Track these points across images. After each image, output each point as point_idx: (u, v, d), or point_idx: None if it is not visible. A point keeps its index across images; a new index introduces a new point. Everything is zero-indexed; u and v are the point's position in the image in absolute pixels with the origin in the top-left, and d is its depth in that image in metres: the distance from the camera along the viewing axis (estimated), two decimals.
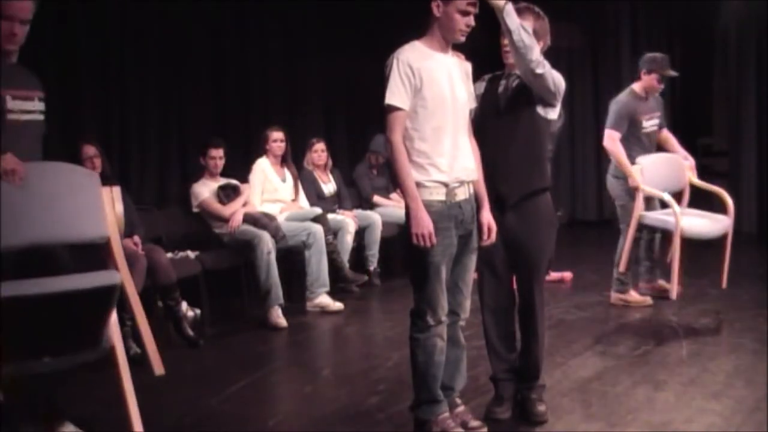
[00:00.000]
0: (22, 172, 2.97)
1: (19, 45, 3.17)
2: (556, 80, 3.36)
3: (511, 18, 3.18)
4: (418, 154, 3.15)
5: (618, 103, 5.66)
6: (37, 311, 2.84)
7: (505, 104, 3.45)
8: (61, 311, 2.89)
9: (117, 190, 3.26)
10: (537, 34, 3.35)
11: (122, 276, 3.10)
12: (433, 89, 3.13)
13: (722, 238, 5.42)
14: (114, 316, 3.10)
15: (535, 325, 3.54)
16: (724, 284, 5.43)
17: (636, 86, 5.69)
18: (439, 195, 3.17)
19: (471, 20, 3.15)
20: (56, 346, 2.99)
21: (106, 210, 3.18)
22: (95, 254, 3.25)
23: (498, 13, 3.19)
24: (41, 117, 3.28)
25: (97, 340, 3.08)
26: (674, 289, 5.25)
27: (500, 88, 3.48)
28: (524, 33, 3.20)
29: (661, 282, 5.78)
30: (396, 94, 3.11)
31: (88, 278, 3.00)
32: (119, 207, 3.24)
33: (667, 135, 5.88)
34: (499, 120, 3.45)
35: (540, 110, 3.43)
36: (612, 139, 5.56)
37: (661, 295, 5.66)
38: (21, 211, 2.98)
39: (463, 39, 3.19)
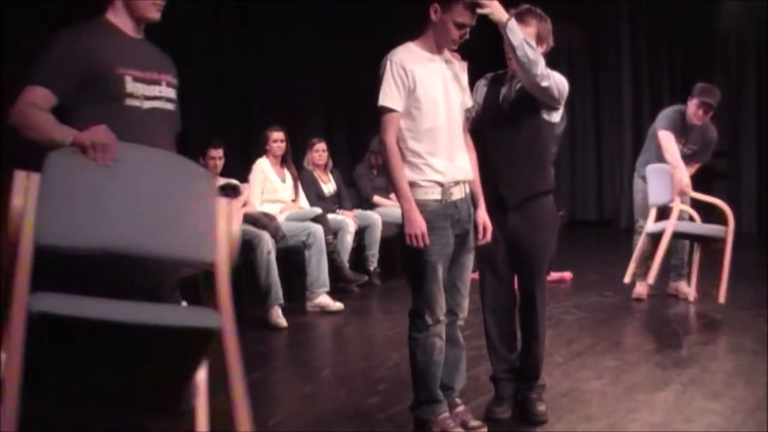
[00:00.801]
0: (114, 151, 2.30)
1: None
2: (560, 87, 3.35)
3: (515, 34, 3.17)
4: (413, 154, 3.15)
5: (666, 112, 5.82)
6: (85, 342, 2.08)
7: (509, 108, 3.44)
8: (123, 350, 2.13)
9: (238, 204, 2.58)
10: (540, 37, 3.34)
11: (224, 323, 2.31)
12: (426, 91, 3.13)
13: (720, 251, 5.45)
14: (202, 374, 2.40)
15: (536, 324, 3.54)
16: (722, 299, 5.41)
17: (687, 109, 5.77)
18: (434, 194, 3.17)
19: (466, 34, 3.14)
20: (108, 397, 2.27)
21: (220, 227, 2.36)
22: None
23: (501, 29, 3.18)
24: (170, 106, 2.72)
25: (172, 403, 2.40)
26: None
27: (503, 91, 3.46)
28: (528, 48, 3.18)
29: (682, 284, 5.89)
30: (389, 96, 3.11)
31: (170, 313, 2.28)
32: (237, 227, 2.41)
33: (691, 169, 5.89)
34: (502, 123, 3.44)
35: (544, 114, 3.42)
36: (666, 138, 5.64)
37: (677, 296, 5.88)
38: (100, 202, 2.22)
39: (455, 48, 3.20)
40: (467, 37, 3.16)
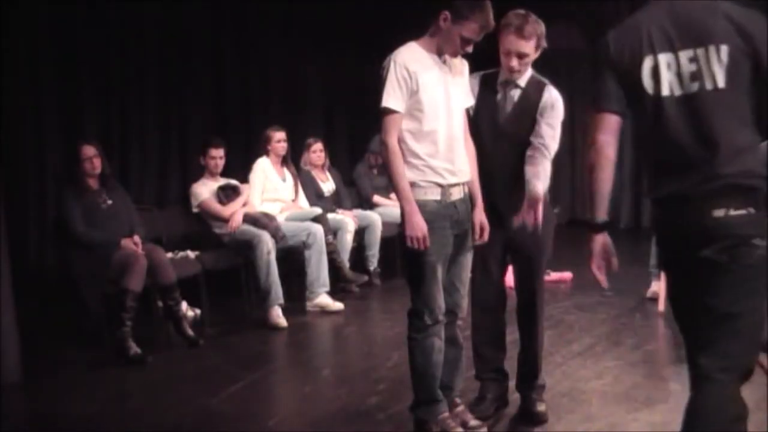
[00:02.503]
0: None
1: None
2: (558, 132, 3.40)
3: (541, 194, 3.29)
4: (413, 155, 3.16)
5: None
6: None
7: (505, 122, 3.43)
8: None
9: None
10: (538, 42, 3.33)
11: None
12: (428, 93, 3.13)
13: None
14: None
15: (535, 324, 3.55)
16: None
17: None
18: (434, 195, 3.17)
19: (470, 48, 3.15)
20: None
21: None
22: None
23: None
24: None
25: None
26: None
27: (498, 98, 3.44)
28: (542, 187, 3.28)
29: None
30: (392, 97, 3.11)
31: None
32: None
33: None
34: (498, 133, 3.42)
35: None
36: None
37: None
38: None
39: (455, 57, 3.20)
40: (470, 51, 3.17)
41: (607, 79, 2.36)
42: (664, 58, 2.28)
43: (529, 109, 3.39)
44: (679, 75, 2.28)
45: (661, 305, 5.36)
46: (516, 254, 3.50)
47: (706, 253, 2.26)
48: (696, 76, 2.26)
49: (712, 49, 2.24)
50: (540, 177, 3.30)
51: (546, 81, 3.43)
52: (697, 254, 2.27)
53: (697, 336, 2.34)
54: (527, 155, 3.37)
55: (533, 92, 3.40)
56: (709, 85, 2.25)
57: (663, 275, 5.35)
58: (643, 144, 2.45)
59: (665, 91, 2.29)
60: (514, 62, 3.30)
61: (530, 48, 3.29)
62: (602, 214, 2.39)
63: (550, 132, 3.38)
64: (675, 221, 2.34)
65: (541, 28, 3.34)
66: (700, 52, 2.25)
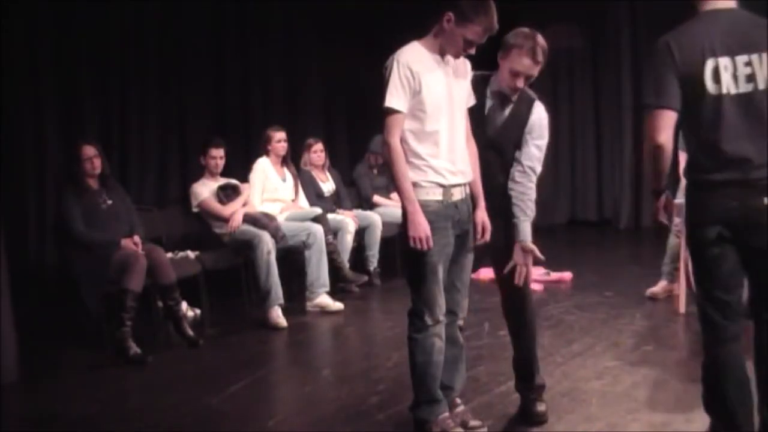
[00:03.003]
0: None
1: None
2: (543, 147, 3.42)
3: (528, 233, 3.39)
4: (415, 155, 3.15)
5: None
6: None
7: (495, 133, 3.43)
8: None
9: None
10: (544, 63, 3.33)
11: None
12: (431, 93, 3.12)
13: None
14: None
15: (523, 325, 3.54)
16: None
17: None
18: (435, 195, 3.17)
19: (472, 50, 3.15)
20: None
21: None
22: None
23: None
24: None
25: None
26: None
27: (488, 105, 3.43)
28: (528, 221, 3.37)
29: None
30: (395, 97, 3.11)
31: None
32: None
33: None
34: (486, 143, 3.41)
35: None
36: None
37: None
38: None
39: (458, 58, 3.20)
40: (472, 53, 3.17)
41: (670, 79, 2.68)
42: (723, 62, 2.66)
43: (519, 125, 3.40)
44: (735, 76, 2.66)
45: (682, 307, 5.33)
46: (499, 258, 3.48)
47: (759, 243, 2.66)
48: (751, 78, 2.66)
49: (764, 55, 2.65)
50: (528, 212, 3.38)
51: (534, 96, 3.45)
52: (749, 242, 2.68)
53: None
54: (515, 179, 3.40)
55: (523, 108, 3.41)
56: (762, 86, 2.65)
57: (682, 280, 5.39)
58: (699, 137, 2.73)
59: (724, 90, 2.66)
60: (520, 83, 3.31)
61: (538, 70, 3.31)
62: (663, 184, 2.84)
63: (538, 154, 3.41)
64: (725, 206, 2.67)
65: (546, 46, 3.32)
66: (754, 57, 2.66)
